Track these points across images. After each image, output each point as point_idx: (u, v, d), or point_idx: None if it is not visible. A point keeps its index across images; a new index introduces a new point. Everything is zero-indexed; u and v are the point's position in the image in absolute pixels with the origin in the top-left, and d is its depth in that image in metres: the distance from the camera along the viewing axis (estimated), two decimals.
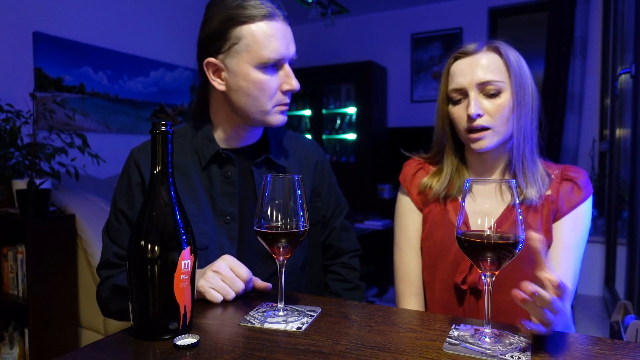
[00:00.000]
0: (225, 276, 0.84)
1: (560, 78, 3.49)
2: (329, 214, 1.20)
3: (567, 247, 0.97)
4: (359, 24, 4.67)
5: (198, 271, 0.86)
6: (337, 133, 4.58)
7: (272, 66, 0.97)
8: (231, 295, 0.84)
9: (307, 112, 4.65)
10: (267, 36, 0.94)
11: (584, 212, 0.99)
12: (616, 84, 2.68)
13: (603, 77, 3.46)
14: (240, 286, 0.85)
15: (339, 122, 4.59)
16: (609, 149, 2.93)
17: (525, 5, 3.96)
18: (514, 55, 0.98)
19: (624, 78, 2.43)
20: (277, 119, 1.01)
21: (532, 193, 0.97)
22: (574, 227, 0.98)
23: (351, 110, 4.43)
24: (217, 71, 0.99)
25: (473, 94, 0.96)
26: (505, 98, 0.96)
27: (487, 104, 0.96)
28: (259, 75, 0.96)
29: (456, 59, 1.01)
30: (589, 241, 1.01)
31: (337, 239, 1.21)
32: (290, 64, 1.01)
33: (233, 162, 1.04)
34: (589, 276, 2.70)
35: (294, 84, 0.99)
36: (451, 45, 4.10)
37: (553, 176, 1.02)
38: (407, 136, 4.24)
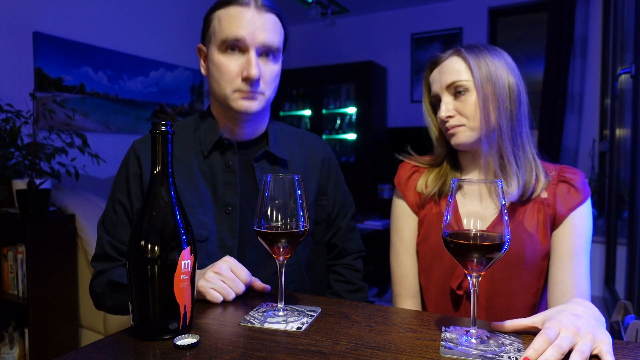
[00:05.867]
0: (226, 277, 0.84)
1: (560, 78, 3.49)
2: (335, 213, 1.19)
3: (575, 254, 0.96)
4: (359, 24, 4.67)
5: (198, 271, 0.86)
6: (337, 133, 4.58)
7: (232, 49, 0.96)
8: (231, 295, 0.84)
9: (307, 112, 4.65)
10: (229, 18, 0.95)
11: (584, 215, 0.98)
12: (616, 84, 2.68)
13: (603, 77, 3.46)
14: (241, 287, 0.85)
15: (339, 122, 4.59)
16: (609, 149, 2.93)
17: (525, 5, 3.96)
18: (480, 54, 0.99)
19: (624, 78, 2.43)
20: (239, 104, 0.98)
21: (511, 189, 0.96)
22: (579, 231, 0.97)
23: (351, 110, 4.43)
24: (204, 57, 1.04)
25: (444, 98, 1.01)
26: (471, 95, 0.98)
27: (457, 103, 1.00)
28: (219, 58, 0.97)
29: (431, 69, 1.07)
30: None
31: (342, 240, 1.20)
32: (273, 56, 0.99)
33: (234, 149, 1.04)
34: None
35: (251, 71, 0.94)
36: (451, 45, 4.10)
37: (550, 177, 1.00)
38: (407, 136, 4.21)
